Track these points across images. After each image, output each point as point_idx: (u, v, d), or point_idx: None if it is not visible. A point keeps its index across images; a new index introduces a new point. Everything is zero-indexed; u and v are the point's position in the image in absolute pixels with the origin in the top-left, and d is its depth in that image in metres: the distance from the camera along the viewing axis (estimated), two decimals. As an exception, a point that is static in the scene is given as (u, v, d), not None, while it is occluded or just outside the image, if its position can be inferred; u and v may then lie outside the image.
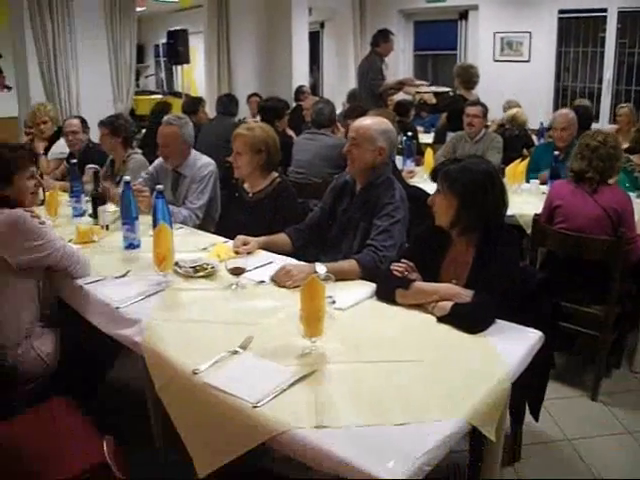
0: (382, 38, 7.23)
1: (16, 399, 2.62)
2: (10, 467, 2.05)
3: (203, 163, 3.93)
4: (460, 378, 1.84)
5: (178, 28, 10.61)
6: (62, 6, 7.03)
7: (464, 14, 10.14)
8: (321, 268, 2.47)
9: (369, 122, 2.99)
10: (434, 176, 2.47)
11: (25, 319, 2.66)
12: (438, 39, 11.08)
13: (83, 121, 5.09)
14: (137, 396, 2.60)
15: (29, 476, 2.00)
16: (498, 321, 2.18)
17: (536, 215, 3.54)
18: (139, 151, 4.53)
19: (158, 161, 4.09)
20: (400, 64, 10.94)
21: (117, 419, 2.84)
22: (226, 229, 3.39)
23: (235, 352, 1.97)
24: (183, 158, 3.93)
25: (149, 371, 2.11)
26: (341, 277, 2.47)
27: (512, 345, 2.04)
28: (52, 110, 5.86)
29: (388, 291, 2.39)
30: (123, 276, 2.72)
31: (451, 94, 7.20)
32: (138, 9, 8.19)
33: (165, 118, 4.04)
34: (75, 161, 4.05)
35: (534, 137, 6.51)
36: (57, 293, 2.88)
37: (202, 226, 3.72)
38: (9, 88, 14.41)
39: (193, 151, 3.99)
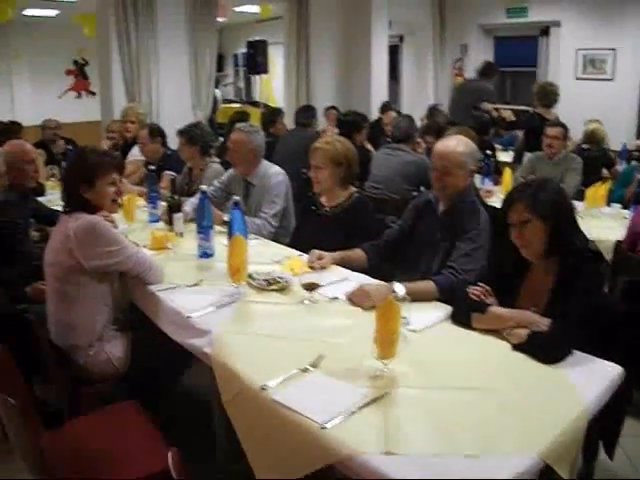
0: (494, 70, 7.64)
1: (85, 399, 2.71)
2: (74, 464, 2.12)
3: (273, 172, 3.98)
4: (535, 411, 1.78)
5: (258, 39, 10.78)
6: (146, 16, 7.29)
7: (545, 30, 9.91)
8: (399, 288, 2.43)
9: (457, 147, 2.90)
10: (509, 203, 2.41)
11: (98, 322, 2.75)
12: (518, 55, 10.88)
13: (152, 132, 5.17)
14: (203, 405, 2.63)
15: (92, 474, 2.06)
16: (576, 352, 2.11)
17: (618, 241, 3.43)
18: (217, 160, 4.62)
19: (231, 171, 4.17)
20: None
21: (182, 427, 2.90)
22: (301, 242, 3.41)
23: (305, 370, 1.97)
24: (252, 167, 3.99)
25: (217, 383, 2.13)
26: (417, 298, 2.44)
27: (590, 379, 1.97)
28: (142, 114, 6.05)
29: (464, 314, 2.36)
30: (196, 285, 2.77)
31: (530, 112, 7.09)
32: (219, 19, 8.40)
33: (237, 125, 4.13)
34: (153, 167, 4.17)
35: (616, 159, 6.30)
36: (130, 298, 2.97)
37: (276, 238, 3.75)
38: (94, 94, 15.05)
39: (264, 161, 4.05)
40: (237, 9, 11.87)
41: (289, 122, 7.77)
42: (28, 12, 12.21)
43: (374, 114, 8.61)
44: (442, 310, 2.49)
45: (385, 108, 8.20)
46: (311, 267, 2.85)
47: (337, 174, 3.39)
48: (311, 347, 2.13)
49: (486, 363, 2.09)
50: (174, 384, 3.03)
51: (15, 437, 2.04)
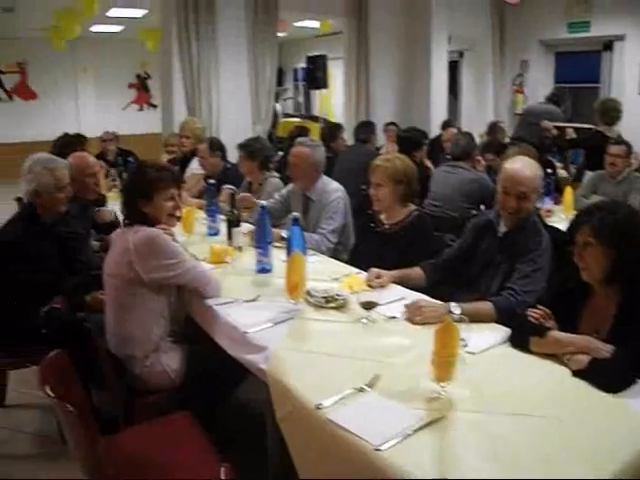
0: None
1: (140, 408, 2.76)
2: (128, 472, 2.16)
3: (332, 188, 4.01)
4: (600, 442, 1.72)
5: (317, 53, 10.90)
6: (207, 30, 7.47)
7: (609, 45, 9.72)
8: (456, 308, 2.41)
9: (532, 171, 2.86)
10: (576, 225, 2.36)
11: (155, 333, 2.80)
12: (580, 71, 10.68)
13: (212, 145, 5.24)
14: (257, 420, 2.63)
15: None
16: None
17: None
18: (276, 174, 4.66)
19: (290, 185, 4.21)
20: (540, 97, 10.66)
21: (234, 440, 2.93)
22: (359, 259, 3.41)
23: (361, 390, 1.96)
24: (312, 182, 4.03)
25: (272, 399, 2.14)
26: (475, 319, 2.40)
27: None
28: (199, 129, 6.12)
29: (523, 338, 2.31)
30: (253, 300, 2.80)
31: (592, 130, 6.96)
32: (279, 34, 8.50)
33: (299, 139, 4.16)
34: (213, 181, 4.23)
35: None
36: (187, 311, 3.02)
37: (335, 254, 3.78)
38: (155, 106, 15.40)
39: (323, 177, 4.09)
40: (297, 24, 12.01)
41: (348, 137, 7.80)
42: (95, 28, 12.63)
43: (433, 130, 8.59)
44: (500, 332, 2.45)
45: (446, 125, 8.18)
46: (369, 285, 2.84)
47: (397, 192, 3.39)
48: (367, 366, 2.12)
49: (545, 389, 2.04)
50: (228, 397, 3.05)
51: (73, 442, 2.08)
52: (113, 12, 11.12)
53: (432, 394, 1.93)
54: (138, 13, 11.28)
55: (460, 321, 2.07)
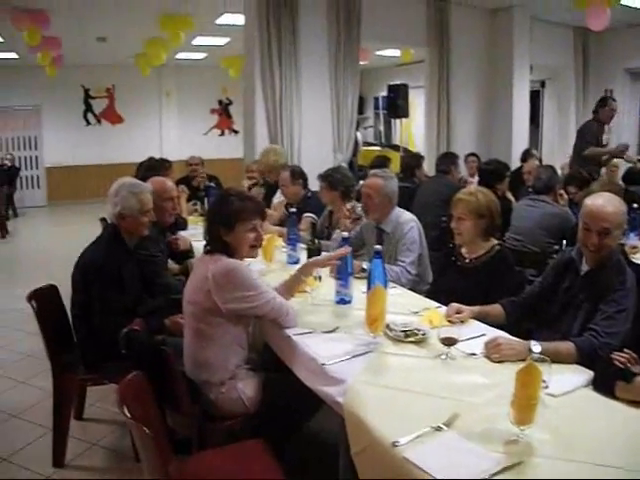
0: (599, 104, 7.26)
1: (213, 433, 2.80)
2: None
3: (405, 219, 4.00)
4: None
5: (398, 82, 10.92)
6: (290, 58, 7.63)
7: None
8: (536, 347, 2.37)
9: (616, 207, 2.77)
10: None
11: (232, 362, 2.85)
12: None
13: (294, 174, 5.27)
14: (330, 451, 2.62)
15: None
16: None
17: None
18: (358, 204, 4.67)
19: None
20: (624, 127, 10.42)
21: (306, 471, 2.94)
22: (439, 293, 3.39)
23: (439, 429, 1.93)
24: (385, 213, 4.02)
25: (347, 434, 2.14)
26: (555, 359, 2.33)
27: None
28: (280, 159, 6.10)
29: (607, 382, 2.22)
30: (332, 331, 2.80)
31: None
32: (361, 62, 8.58)
33: (372, 171, 4.16)
34: (294, 209, 4.27)
35: None
36: (265, 339, 3.05)
37: (413, 286, 3.76)
38: (236, 132, 15.76)
39: (396, 208, 4.07)
40: (378, 52, 12.13)
41: (429, 167, 7.77)
42: (179, 55, 13.07)
43: (514, 161, 8.48)
44: (583, 375, 2.36)
45: (526, 156, 8.06)
46: (449, 320, 2.82)
47: (479, 226, 3.37)
48: (446, 405, 2.09)
49: (631, 439, 1.95)
50: (302, 427, 3.07)
51: (146, 461, 2.13)
52: (198, 40, 11.51)
53: (511, 437, 1.88)
54: (221, 41, 11.63)
55: (540, 361, 2.03)
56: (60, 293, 3.67)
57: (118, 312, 3.25)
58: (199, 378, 2.83)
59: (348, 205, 4.50)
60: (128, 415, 2.01)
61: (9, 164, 13.87)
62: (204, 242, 3.02)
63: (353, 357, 2.51)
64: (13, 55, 12.91)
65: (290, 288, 3.14)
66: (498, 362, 2.45)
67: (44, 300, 3.46)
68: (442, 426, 1.95)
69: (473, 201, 3.38)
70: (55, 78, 12.98)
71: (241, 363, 2.90)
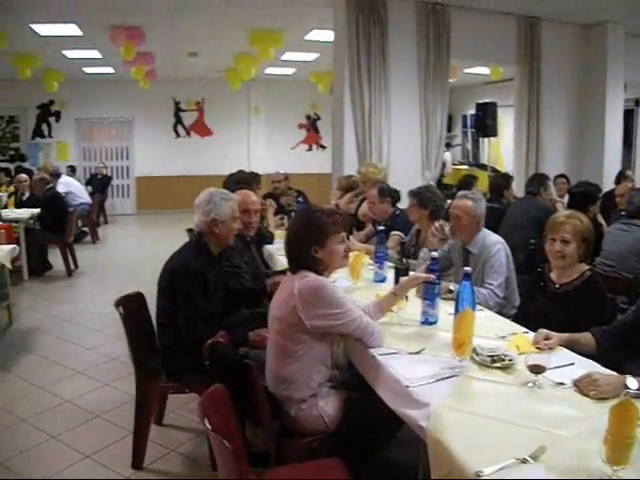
0: None
1: (291, 449, 2.80)
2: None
3: (491, 241, 3.93)
4: None
5: (487, 100, 10.79)
6: (379, 75, 7.65)
7: None
8: (632, 383, 2.26)
9: None
10: None
11: (315, 379, 2.84)
12: None
13: (382, 191, 5.27)
14: (408, 475, 2.57)
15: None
16: None
17: None
18: (447, 224, 4.60)
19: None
20: None
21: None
22: (527, 318, 3.31)
23: (524, 461, 1.85)
24: (472, 235, 3.97)
25: (429, 459, 2.09)
26: (653, 396, 2.25)
27: None
28: (379, 174, 6.14)
29: None
30: (417, 353, 2.76)
31: None
32: (450, 80, 8.52)
33: (460, 192, 4.10)
34: (382, 227, 4.25)
35: None
36: (349, 358, 3.04)
37: (500, 310, 3.69)
38: (324, 147, 15.89)
39: (483, 229, 4.01)
40: (467, 70, 12.01)
41: (518, 188, 7.62)
42: (268, 70, 13.33)
43: (606, 183, 8.24)
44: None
45: (620, 178, 7.79)
46: (537, 347, 2.73)
47: (580, 249, 3.28)
48: (531, 436, 2.01)
49: None
50: (382, 448, 3.03)
51: (223, 472, 2.15)
52: (287, 56, 11.69)
53: (603, 476, 1.79)
54: (310, 57, 11.77)
55: (637, 397, 1.94)
56: (146, 300, 3.77)
57: (203, 317, 3.32)
58: (281, 394, 2.84)
59: (437, 223, 4.46)
60: (208, 427, 2.04)
61: (103, 173, 14.38)
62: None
63: (438, 380, 2.46)
64: (109, 70, 13.55)
65: (383, 307, 3.11)
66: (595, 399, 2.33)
67: (131, 306, 3.56)
68: (528, 459, 1.87)
69: (579, 224, 3.30)
70: (147, 91, 13.59)
71: (324, 381, 2.89)
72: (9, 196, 10.37)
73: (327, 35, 8.88)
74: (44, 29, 9.45)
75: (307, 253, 2.85)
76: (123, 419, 4.04)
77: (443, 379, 2.47)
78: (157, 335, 3.56)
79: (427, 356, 2.73)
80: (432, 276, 3.11)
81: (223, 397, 2.37)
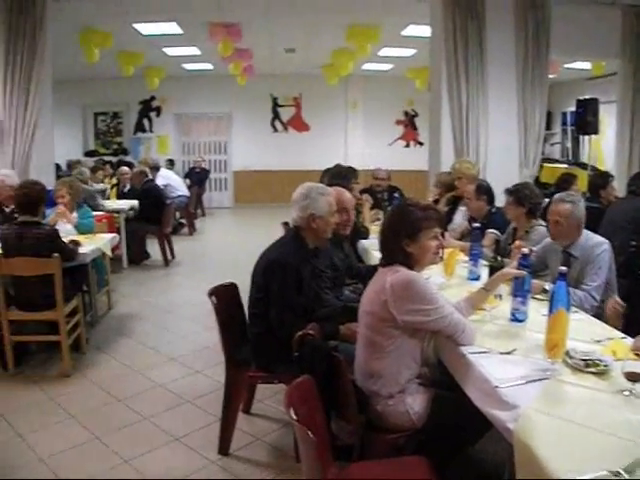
0: None
1: (376, 445, 2.79)
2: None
3: (595, 242, 3.79)
4: None
5: (588, 97, 10.39)
6: (477, 70, 7.50)
7: None
8: None
9: None
10: None
11: (404, 375, 2.82)
12: None
13: (479, 188, 5.21)
14: (493, 476, 2.51)
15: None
16: None
17: None
18: (543, 223, 4.46)
19: (547, 240, 4.05)
20: None
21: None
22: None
23: (617, 474, 1.75)
24: (573, 238, 3.83)
25: (515, 463, 2.04)
26: None
27: None
28: (472, 169, 6.11)
29: None
30: (508, 353, 2.69)
31: None
32: (550, 76, 8.25)
33: (556, 197, 3.94)
34: (478, 224, 4.17)
35: None
36: (439, 355, 3.00)
37: (597, 313, 3.54)
38: (421, 144, 15.76)
39: (585, 231, 3.86)
40: (567, 65, 11.63)
41: (620, 187, 7.32)
42: (366, 66, 13.33)
43: None
44: None
45: None
46: (636, 354, 2.62)
47: None
48: (625, 447, 1.91)
49: None
50: (468, 448, 2.98)
51: (307, 463, 2.17)
52: (384, 51, 11.64)
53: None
54: (407, 52, 11.68)
55: None
56: (239, 291, 3.84)
57: (295, 311, 3.35)
58: (368, 388, 2.84)
59: (517, 243, 4.34)
60: (294, 417, 2.05)
61: (201, 167, 14.73)
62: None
63: (528, 382, 2.39)
64: (208, 66, 13.91)
65: (475, 304, 3.07)
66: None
67: (224, 296, 3.64)
68: (621, 472, 1.76)
69: None
70: (245, 87, 13.85)
71: (412, 377, 2.87)
72: (112, 188, 10.77)
73: (424, 30, 8.79)
74: (146, 28, 9.80)
75: (398, 247, 2.83)
76: (212, 406, 4.15)
77: (534, 381, 2.40)
78: (249, 325, 3.62)
79: (518, 357, 2.66)
80: (523, 272, 3.05)
81: (310, 389, 2.39)
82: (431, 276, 3.71)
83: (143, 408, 4.24)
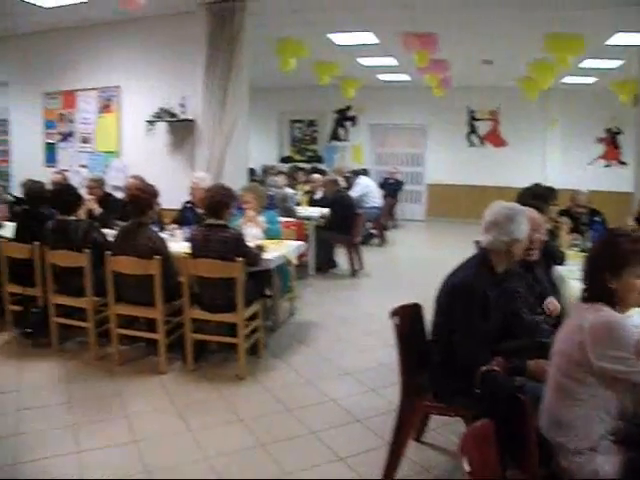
0: None
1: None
2: None
3: None
4: None
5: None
6: None
7: None
8: None
9: None
10: None
11: (596, 430, 2.43)
12: None
13: None
14: None
15: None
16: None
17: None
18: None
19: None
20: None
21: None
22: None
23: None
24: None
25: None
26: None
27: None
28: None
29: None
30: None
31: None
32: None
33: None
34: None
35: None
36: (638, 410, 2.56)
37: None
38: (624, 163, 14.61)
39: None
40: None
41: None
42: (566, 80, 12.62)
43: None
44: None
45: None
46: None
47: None
48: None
49: None
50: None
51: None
52: (586, 63, 10.86)
53: None
54: (613, 64, 10.80)
55: None
56: (423, 312, 3.61)
57: (479, 339, 3.10)
58: (554, 438, 2.49)
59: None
60: (467, 469, 1.89)
61: (395, 178, 14.62)
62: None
63: None
64: (405, 77, 13.86)
65: None
66: None
67: (406, 317, 3.44)
68: None
69: None
70: (441, 99, 13.60)
71: (605, 433, 2.46)
72: (304, 194, 10.91)
73: (633, 39, 8.00)
74: (340, 38, 9.91)
75: (599, 281, 2.47)
76: (382, 428, 3.96)
77: None
78: (429, 351, 3.38)
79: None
80: None
81: (488, 435, 2.13)
82: (633, 315, 3.23)
83: (311, 421, 4.16)
